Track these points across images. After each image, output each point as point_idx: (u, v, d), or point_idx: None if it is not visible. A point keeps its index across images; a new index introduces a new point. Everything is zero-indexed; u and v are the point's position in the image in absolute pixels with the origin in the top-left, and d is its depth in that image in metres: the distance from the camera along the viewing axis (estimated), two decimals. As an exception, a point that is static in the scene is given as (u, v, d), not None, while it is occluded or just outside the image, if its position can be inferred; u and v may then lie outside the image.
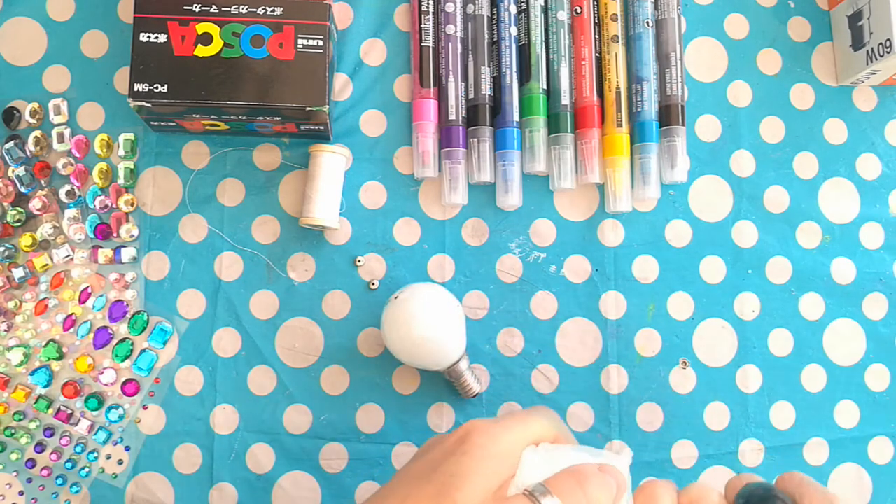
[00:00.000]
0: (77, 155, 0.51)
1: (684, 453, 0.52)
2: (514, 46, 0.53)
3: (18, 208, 0.50)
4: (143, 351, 0.50)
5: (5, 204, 0.50)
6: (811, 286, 0.54)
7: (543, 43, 0.53)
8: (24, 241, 0.50)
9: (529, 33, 0.53)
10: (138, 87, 0.46)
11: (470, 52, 0.53)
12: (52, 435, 0.50)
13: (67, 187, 0.51)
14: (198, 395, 0.50)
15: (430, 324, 0.46)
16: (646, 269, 0.53)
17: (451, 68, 0.52)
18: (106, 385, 0.50)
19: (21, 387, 0.49)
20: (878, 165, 0.55)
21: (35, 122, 0.51)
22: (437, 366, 0.48)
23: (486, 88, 0.52)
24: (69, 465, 0.49)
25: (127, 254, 0.51)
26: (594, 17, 0.54)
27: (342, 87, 0.53)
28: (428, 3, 0.53)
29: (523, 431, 0.36)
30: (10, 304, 0.50)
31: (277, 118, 0.48)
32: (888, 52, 0.50)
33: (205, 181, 0.52)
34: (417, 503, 0.33)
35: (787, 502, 0.33)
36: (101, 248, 0.51)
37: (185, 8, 0.47)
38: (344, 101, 0.53)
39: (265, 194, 0.52)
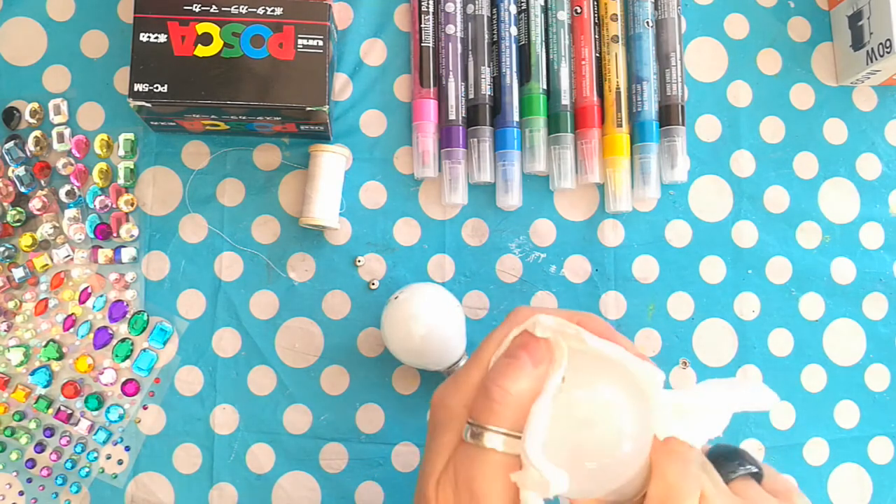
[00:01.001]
0: (77, 155, 0.51)
1: (684, 453, 0.52)
2: (514, 46, 0.53)
3: (18, 208, 0.50)
4: (143, 351, 0.50)
5: (5, 204, 0.50)
6: (811, 286, 0.54)
7: (543, 43, 0.53)
8: (24, 241, 0.50)
9: (529, 33, 0.53)
10: (138, 87, 0.46)
11: (470, 52, 0.53)
12: (52, 435, 0.50)
13: (67, 187, 0.51)
14: (198, 395, 0.50)
15: (430, 324, 0.46)
16: (646, 269, 0.53)
17: (451, 68, 0.52)
18: (106, 385, 0.50)
19: (21, 387, 0.49)
20: (878, 165, 0.55)
21: (35, 122, 0.51)
22: (437, 366, 0.48)
23: (486, 88, 0.52)
24: (69, 465, 0.49)
25: (127, 254, 0.51)
26: (594, 17, 0.54)
27: (342, 87, 0.53)
28: (428, 3, 0.53)
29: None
30: (10, 304, 0.50)
31: (277, 118, 0.48)
32: (888, 52, 0.50)
33: (205, 181, 0.52)
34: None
35: (753, 461, 0.34)
36: (101, 248, 0.51)
37: (185, 8, 0.47)
38: (344, 101, 0.53)
39: (265, 194, 0.52)
